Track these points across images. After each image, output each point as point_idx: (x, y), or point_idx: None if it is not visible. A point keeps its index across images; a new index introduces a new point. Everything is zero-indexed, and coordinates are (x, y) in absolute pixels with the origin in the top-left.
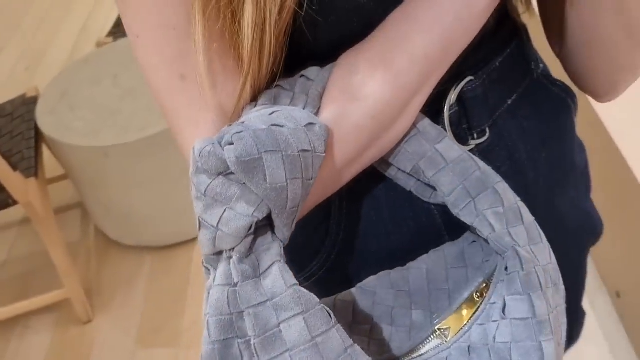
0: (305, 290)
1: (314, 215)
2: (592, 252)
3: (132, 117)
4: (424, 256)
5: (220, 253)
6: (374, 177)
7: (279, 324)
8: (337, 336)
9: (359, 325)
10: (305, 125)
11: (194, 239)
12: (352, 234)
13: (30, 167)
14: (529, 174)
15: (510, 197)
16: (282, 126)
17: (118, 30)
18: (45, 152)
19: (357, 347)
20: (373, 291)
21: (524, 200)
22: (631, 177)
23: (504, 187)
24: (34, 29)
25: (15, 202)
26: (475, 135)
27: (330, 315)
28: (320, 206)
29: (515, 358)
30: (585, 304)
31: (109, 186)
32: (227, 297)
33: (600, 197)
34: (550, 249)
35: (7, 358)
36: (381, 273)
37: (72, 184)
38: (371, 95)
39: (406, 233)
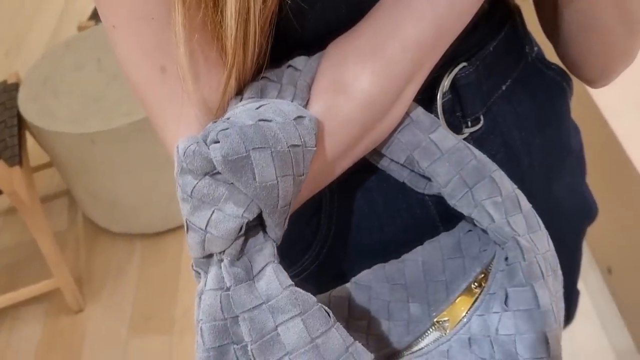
0: (301, 291)
1: (304, 208)
2: None
3: (117, 102)
4: (419, 248)
5: (210, 256)
6: (366, 169)
7: (277, 327)
8: (337, 335)
9: (355, 321)
10: (294, 119)
11: (184, 226)
12: (344, 227)
13: (14, 155)
14: (524, 160)
15: (507, 185)
16: (270, 121)
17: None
18: (29, 140)
19: (359, 345)
20: (368, 285)
21: (520, 187)
22: (623, 156)
23: (500, 176)
24: (13, 13)
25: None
26: (469, 123)
27: (329, 315)
28: (311, 199)
29: (520, 350)
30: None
31: (96, 173)
32: (220, 302)
33: (591, 174)
34: (548, 236)
35: None
36: (375, 266)
37: (57, 172)
38: (362, 85)
39: (400, 225)
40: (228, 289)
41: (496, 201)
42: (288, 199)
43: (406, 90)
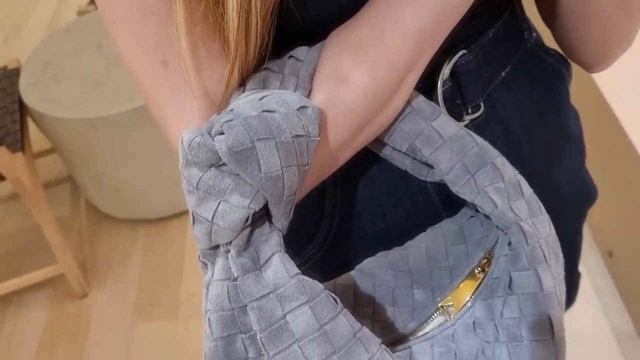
0: (308, 279)
1: (308, 198)
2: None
3: (119, 87)
4: (422, 234)
5: (217, 247)
6: (368, 158)
7: (285, 315)
8: (345, 322)
9: (361, 308)
10: (297, 109)
11: (187, 211)
12: (348, 217)
13: (16, 141)
14: (525, 147)
15: (509, 171)
16: (273, 111)
17: None
18: (31, 126)
19: (366, 330)
20: (373, 273)
21: (521, 173)
22: (625, 140)
23: (502, 162)
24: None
25: (2, 178)
26: (470, 110)
27: (336, 302)
28: (314, 189)
29: (524, 332)
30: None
31: (98, 159)
32: (228, 292)
33: (592, 157)
34: (549, 220)
35: (3, 336)
36: (379, 254)
37: (59, 158)
38: (363, 75)
39: (402, 213)
40: (235, 279)
41: (499, 187)
42: (293, 189)
43: (407, 79)
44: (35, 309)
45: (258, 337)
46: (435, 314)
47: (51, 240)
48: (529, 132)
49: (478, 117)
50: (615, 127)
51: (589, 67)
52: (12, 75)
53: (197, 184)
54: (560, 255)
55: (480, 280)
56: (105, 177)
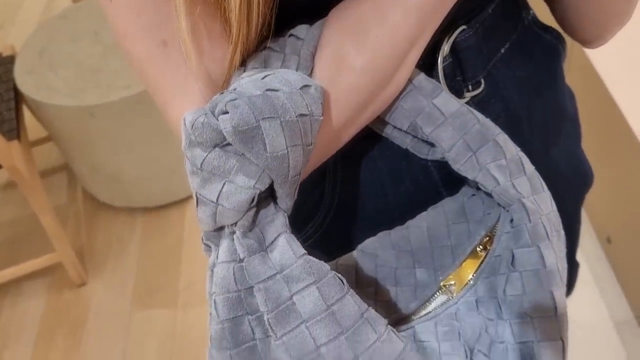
0: (315, 259)
1: (308, 178)
2: None
3: (116, 74)
4: (423, 214)
5: (221, 229)
6: (369, 137)
7: (292, 296)
8: (352, 302)
9: (363, 288)
10: (300, 88)
11: (186, 199)
12: (348, 196)
13: (12, 129)
14: (525, 125)
15: (511, 148)
16: (277, 90)
17: None
18: (26, 114)
19: (372, 311)
20: (374, 253)
21: (522, 150)
22: (622, 123)
23: (504, 139)
24: None
25: None
26: (470, 87)
27: (342, 282)
28: (315, 169)
29: (528, 309)
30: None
31: (95, 147)
32: (234, 274)
33: (590, 143)
34: (551, 197)
35: (1, 324)
36: (380, 234)
37: (55, 147)
38: (365, 53)
39: (403, 192)
40: (241, 260)
41: (500, 164)
42: (298, 168)
43: (410, 55)
44: (33, 298)
45: (265, 318)
46: (437, 293)
47: (48, 229)
48: (528, 109)
49: (479, 94)
50: (614, 112)
51: (586, 43)
52: (6, 62)
53: (201, 165)
54: (562, 232)
55: (482, 258)
56: (102, 165)
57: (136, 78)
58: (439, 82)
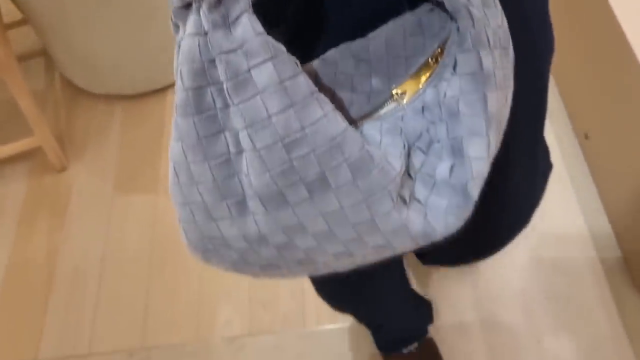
0: (273, 39)
1: None
2: (562, 92)
3: None
4: (384, 26)
5: (189, 5)
6: None
7: (250, 69)
8: (304, 81)
9: (321, 92)
10: None
11: (167, 87)
12: (313, 6)
13: None
14: None
15: None
16: None
17: None
18: None
19: (322, 95)
20: (335, 62)
21: None
22: (611, 20)
23: None
24: None
25: None
26: None
27: (297, 65)
28: None
29: (462, 108)
30: (553, 144)
31: (71, 29)
32: (199, 45)
33: (577, 38)
34: (503, 15)
35: None
36: (342, 45)
37: (31, 30)
38: None
39: (367, 5)
40: (206, 33)
41: None
42: None
43: None
44: (14, 182)
45: (224, 87)
46: (389, 101)
47: (27, 113)
48: None
49: None
50: (604, 8)
51: None
52: None
53: None
54: (511, 51)
55: (433, 69)
56: (79, 49)
57: None
58: None
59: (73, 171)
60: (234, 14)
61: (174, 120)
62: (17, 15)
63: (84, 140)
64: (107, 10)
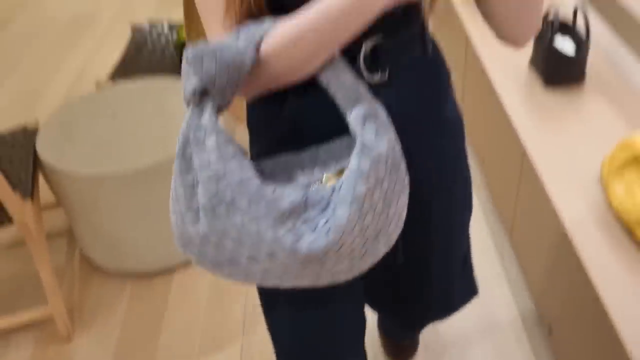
0: (221, 125)
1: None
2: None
3: (128, 149)
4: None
5: (189, 104)
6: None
7: (205, 138)
8: (231, 148)
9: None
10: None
11: (175, 267)
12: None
13: (27, 189)
14: (410, 120)
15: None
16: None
17: (118, 76)
18: (40, 181)
19: (242, 155)
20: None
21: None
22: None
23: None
24: (33, 69)
25: (10, 221)
26: (376, 77)
27: (231, 139)
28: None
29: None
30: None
31: (99, 214)
32: (187, 125)
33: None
34: (396, 136)
35: None
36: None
37: (57, 214)
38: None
39: (319, 132)
40: (190, 119)
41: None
42: (223, 80)
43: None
44: (20, 349)
45: (194, 146)
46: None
47: (46, 284)
48: (418, 107)
49: (381, 82)
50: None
51: (514, 42)
52: (30, 134)
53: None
54: (403, 167)
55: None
56: (103, 231)
57: (144, 154)
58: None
59: (77, 342)
60: (205, 110)
61: (173, 180)
62: (50, 199)
63: (93, 313)
64: (135, 199)
